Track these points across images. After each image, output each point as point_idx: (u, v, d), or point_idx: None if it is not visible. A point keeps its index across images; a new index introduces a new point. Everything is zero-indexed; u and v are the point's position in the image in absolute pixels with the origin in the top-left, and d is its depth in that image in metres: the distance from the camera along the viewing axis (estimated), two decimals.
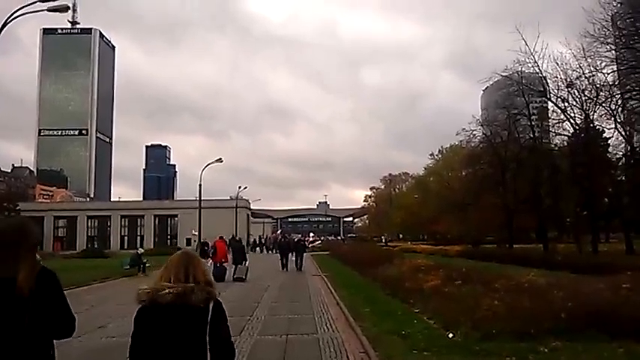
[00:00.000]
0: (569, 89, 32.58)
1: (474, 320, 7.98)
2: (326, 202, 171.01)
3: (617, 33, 32.24)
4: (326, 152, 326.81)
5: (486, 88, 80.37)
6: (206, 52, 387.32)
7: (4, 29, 12.92)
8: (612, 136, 33.79)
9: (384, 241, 69.53)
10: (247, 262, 21.21)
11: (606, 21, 31.63)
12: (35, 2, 13.61)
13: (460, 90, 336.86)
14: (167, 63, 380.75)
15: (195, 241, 42.85)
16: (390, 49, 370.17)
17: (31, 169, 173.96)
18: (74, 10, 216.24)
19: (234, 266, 20.49)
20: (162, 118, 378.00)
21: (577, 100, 32.48)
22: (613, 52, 32.54)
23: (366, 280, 18.25)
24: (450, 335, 7.95)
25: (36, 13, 14.04)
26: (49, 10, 13.70)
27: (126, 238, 72.97)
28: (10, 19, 13.32)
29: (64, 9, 13.93)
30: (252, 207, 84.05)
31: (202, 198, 48.01)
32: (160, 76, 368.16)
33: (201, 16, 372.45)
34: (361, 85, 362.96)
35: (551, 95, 33.89)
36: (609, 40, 30.46)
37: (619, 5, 32.28)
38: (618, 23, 32.93)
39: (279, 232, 56.86)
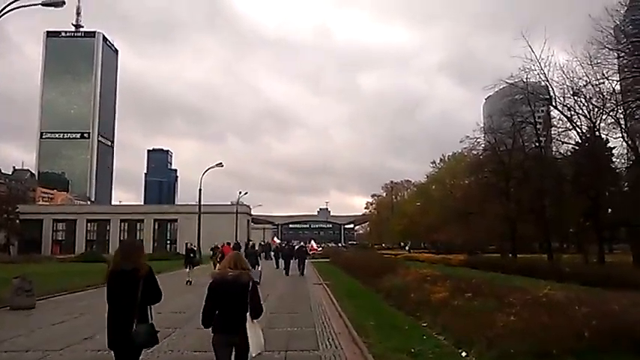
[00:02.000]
0: (576, 97, 32.13)
1: (489, 338, 7.35)
2: (327, 209, 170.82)
3: (624, 41, 31.79)
4: (324, 158, 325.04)
5: (488, 97, 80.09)
6: (200, 56, 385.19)
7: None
8: (616, 146, 33.34)
9: (407, 248, 66.10)
10: (260, 267, 22.57)
11: (613, 29, 31.23)
12: None
13: (458, 96, 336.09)
14: (160, 66, 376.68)
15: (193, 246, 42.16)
16: (386, 54, 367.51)
17: (32, 171, 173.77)
18: (78, 14, 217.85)
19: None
20: (158, 122, 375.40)
21: (583, 108, 32.04)
22: (621, 59, 32.14)
23: (368, 289, 17.66)
24: (464, 354, 7.35)
25: (32, 7, 13.49)
26: (44, 4, 13.15)
27: None
28: (1, 14, 12.82)
29: (59, 3, 13.37)
30: (252, 212, 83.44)
31: (203, 203, 47.43)
32: (154, 79, 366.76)
33: (194, 19, 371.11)
34: (357, 89, 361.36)
35: (557, 103, 33.38)
36: (619, 47, 30.01)
37: (625, 12, 31.87)
38: (626, 30, 32.51)
39: (275, 238, 55.95)
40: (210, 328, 4.89)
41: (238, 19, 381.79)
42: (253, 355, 4.81)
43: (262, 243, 53.38)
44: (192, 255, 23.21)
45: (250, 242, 39.45)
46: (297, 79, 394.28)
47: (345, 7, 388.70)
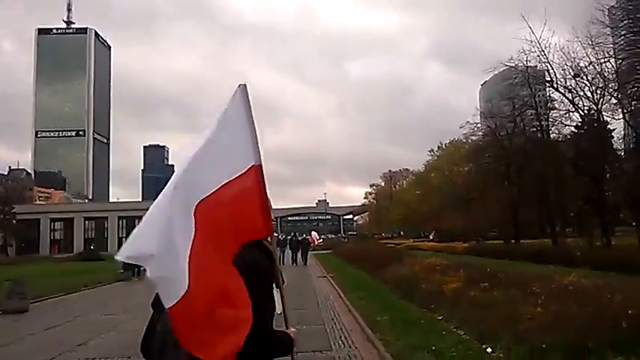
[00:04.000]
0: (577, 79, 31.59)
1: (516, 332, 6.79)
2: (325, 200, 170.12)
3: (626, 20, 31.27)
4: (317, 148, 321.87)
5: (484, 82, 79.28)
6: (184, 47, 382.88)
7: None
8: (616, 128, 32.89)
9: (431, 237, 61.05)
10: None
11: (611, 7, 30.67)
12: None
13: (449, 80, 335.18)
14: (144, 59, 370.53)
15: None
16: (372, 39, 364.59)
17: (29, 171, 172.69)
18: (69, 10, 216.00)
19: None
20: (146, 116, 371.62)
21: (585, 89, 31.52)
22: (622, 37, 31.64)
23: (374, 281, 17.11)
24: (489, 350, 6.76)
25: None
26: None
27: (124, 239, 70.98)
28: None
29: None
30: None
31: None
32: (138, 72, 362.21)
33: (174, 8, 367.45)
34: (346, 77, 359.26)
35: (559, 85, 32.79)
36: (621, 25, 29.50)
37: None
38: (626, 8, 31.96)
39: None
40: None
41: (219, 6, 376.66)
42: (278, 313, 6.20)
43: None
44: None
45: None
46: (283, 67, 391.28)
47: None
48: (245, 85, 2.38)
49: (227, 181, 2.08)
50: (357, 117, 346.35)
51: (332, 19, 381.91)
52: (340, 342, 8.19)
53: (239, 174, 2.14)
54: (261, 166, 2.27)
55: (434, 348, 6.98)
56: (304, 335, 8.70)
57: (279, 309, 6.19)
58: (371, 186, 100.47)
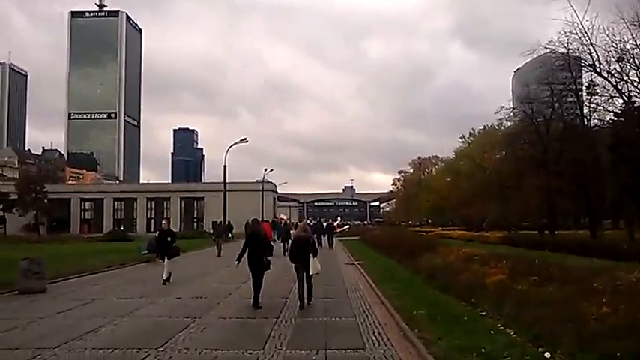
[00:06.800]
0: (620, 63, 29.76)
1: (580, 335, 5.85)
2: (352, 187, 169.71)
3: None
4: (338, 132, 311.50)
5: (518, 69, 76.46)
6: (197, 26, 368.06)
7: None
8: None
9: (484, 226, 49.36)
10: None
11: None
12: None
13: (470, 62, 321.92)
14: (156, 36, 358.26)
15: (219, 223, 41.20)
16: (391, 18, 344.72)
17: (62, 152, 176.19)
18: None
19: (282, 243, 24.13)
20: (166, 99, 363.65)
21: (629, 74, 29.68)
22: None
23: (405, 270, 16.23)
24: (547, 355, 5.85)
25: None
26: None
27: (152, 220, 72.21)
28: None
29: None
30: (278, 190, 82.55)
31: (229, 181, 46.37)
32: (157, 54, 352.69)
33: None
34: (363, 58, 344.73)
35: (602, 70, 30.92)
36: None
37: None
38: None
39: (282, 215, 53.71)
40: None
41: None
42: (311, 273, 10.09)
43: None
44: (169, 239, 15.26)
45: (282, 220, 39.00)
46: (298, 46, 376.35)
47: None
48: None
49: None
50: (376, 100, 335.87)
51: None
52: (374, 338, 7.27)
53: None
54: None
55: (483, 350, 6.05)
56: (334, 329, 7.90)
57: (314, 270, 10.17)
58: (399, 172, 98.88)
